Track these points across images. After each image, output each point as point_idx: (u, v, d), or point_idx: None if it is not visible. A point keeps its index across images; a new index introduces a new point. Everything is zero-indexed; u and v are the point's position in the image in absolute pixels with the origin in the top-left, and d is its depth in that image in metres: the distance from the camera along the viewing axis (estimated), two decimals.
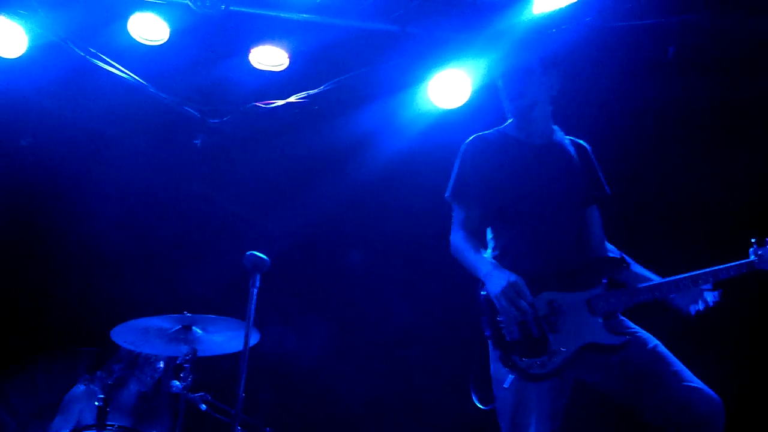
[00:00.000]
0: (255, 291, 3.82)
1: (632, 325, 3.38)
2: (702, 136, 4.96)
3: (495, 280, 3.20)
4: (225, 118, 5.60)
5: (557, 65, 3.53)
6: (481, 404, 3.35)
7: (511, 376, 3.21)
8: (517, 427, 3.21)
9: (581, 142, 3.61)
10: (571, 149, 3.52)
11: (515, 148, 3.47)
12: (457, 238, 3.48)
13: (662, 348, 3.29)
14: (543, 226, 3.35)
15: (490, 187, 3.44)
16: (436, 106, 5.44)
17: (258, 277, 3.88)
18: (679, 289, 3.38)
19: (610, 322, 3.27)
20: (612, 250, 3.61)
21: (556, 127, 3.58)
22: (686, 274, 3.39)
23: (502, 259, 3.37)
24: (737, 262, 3.44)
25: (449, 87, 5.33)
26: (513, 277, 3.18)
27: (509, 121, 3.56)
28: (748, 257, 3.45)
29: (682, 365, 3.27)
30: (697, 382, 3.23)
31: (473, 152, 3.52)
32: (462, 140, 3.59)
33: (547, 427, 3.17)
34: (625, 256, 3.54)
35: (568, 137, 3.58)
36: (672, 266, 3.44)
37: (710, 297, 3.48)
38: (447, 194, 3.55)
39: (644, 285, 3.38)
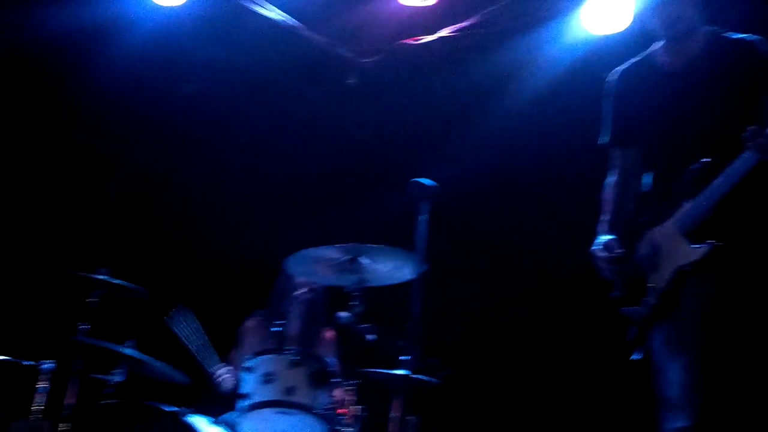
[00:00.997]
0: (423, 218, 3.85)
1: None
2: None
3: None
4: (376, 57, 5.63)
5: None
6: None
7: (632, 329, 3.20)
8: (659, 372, 3.10)
9: (744, 38, 3.22)
10: (726, 56, 3.20)
11: (656, 80, 3.29)
12: (604, 186, 3.45)
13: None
14: (675, 166, 3.14)
15: (630, 127, 3.33)
16: (592, 33, 5.25)
17: (425, 205, 3.91)
18: None
19: (697, 238, 2.98)
20: None
21: (712, 30, 3.27)
22: None
23: (643, 203, 3.29)
24: None
25: (607, 10, 5.10)
26: (597, 244, 3.27)
27: (659, 43, 3.35)
28: None
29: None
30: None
31: (614, 91, 3.41)
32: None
33: (678, 369, 2.99)
34: None
35: (729, 36, 3.24)
36: None
37: None
38: (599, 139, 3.46)
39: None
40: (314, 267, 4.29)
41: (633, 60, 3.43)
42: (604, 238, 3.31)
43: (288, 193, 5.88)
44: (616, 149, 3.44)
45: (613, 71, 3.44)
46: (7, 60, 5.42)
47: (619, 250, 3.24)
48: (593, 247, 3.32)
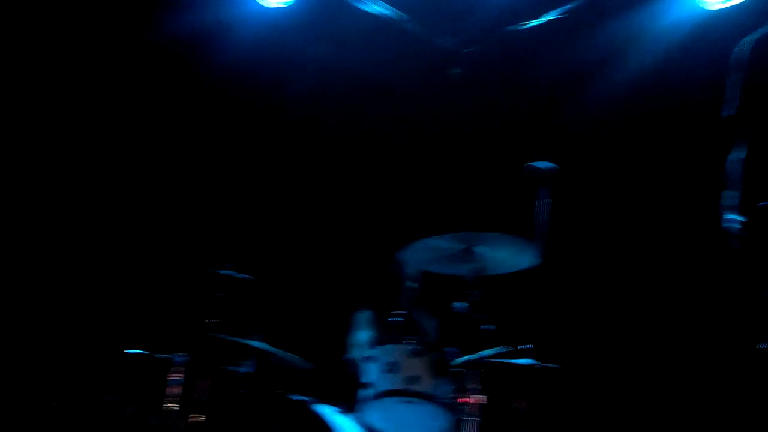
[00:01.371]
0: (542, 203, 3.80)
1: None
2: None
3: None
4: (479, 46, 5.58)
5: None
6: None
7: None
8: None
9: None
10: None
11: None
12: (730, 162, 3.26)
13: None
14: None
15: (760, 100, 3.21)
16: (705, 6, 5.07)
17: (543, 189, 3.86)
18: None
19: None
20: None
21: None
22: None
23: None
24: None
25: None
26: (729, 221, 3.09)
27: None
28: None
29: None
30: None
31: (742, 62, 3.25)
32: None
33: None
34: None
35: None
36: None
37: None
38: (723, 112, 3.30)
39: None
40: (429, 257, 4.30)
41: (762, 29, 3.29)
42: (737, 215, 3.20)
43: (401, 186, 5.91)
44: (743, 123, 3.33)
45: (741, 42, 3.31)
46: (132, 61, 5.67)
47: (755, 228, 3.12)
48: (725, 224, 3.20)
